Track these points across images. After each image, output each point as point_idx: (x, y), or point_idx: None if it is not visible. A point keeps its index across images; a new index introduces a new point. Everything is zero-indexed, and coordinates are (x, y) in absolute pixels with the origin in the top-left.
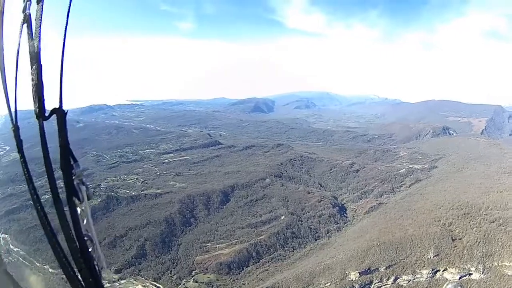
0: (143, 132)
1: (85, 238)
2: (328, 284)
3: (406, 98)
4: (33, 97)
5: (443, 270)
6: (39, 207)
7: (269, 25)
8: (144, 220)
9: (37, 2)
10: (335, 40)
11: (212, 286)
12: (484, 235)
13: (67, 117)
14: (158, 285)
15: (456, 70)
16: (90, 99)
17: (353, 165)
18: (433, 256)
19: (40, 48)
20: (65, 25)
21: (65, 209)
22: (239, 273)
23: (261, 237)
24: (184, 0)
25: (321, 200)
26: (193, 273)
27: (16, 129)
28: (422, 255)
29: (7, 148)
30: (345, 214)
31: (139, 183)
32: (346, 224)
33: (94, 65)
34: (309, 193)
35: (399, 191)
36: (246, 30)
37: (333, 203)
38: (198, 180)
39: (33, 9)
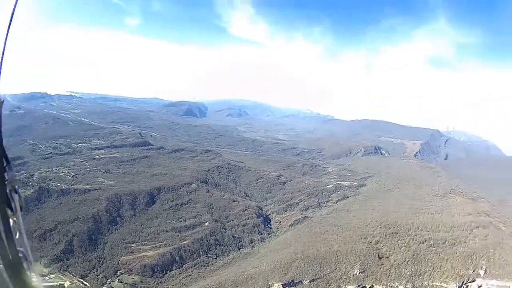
0: (78, 125)
1: (19, 255)
2: None
3: (340, 116)
4: None
5: (370, 287)
6: None
7: (213, 30)
8: (73, 215)
9: None
10: (276, 52)
11: (137, 287)
12: (413, 255)
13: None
14: (85, 282)
15: (394, 92)
16: (32, 86)
17: (280, 177)
18: (359, 273)
19: None
20: (12, 9)
21: None
22: (163, 277)
23: (184, 242)
24: None
25: (245, 210)
26: (118, 273)
27: None
28: (347, 271)
29: None
30: (269, 225)
31: (70, 177)
32: (270, 235)
33: (40, 52)
34: (234, 201)
35: (325, 206)
36: (191, 32)
37: (257, 213)
38: (126, 179)
39: None
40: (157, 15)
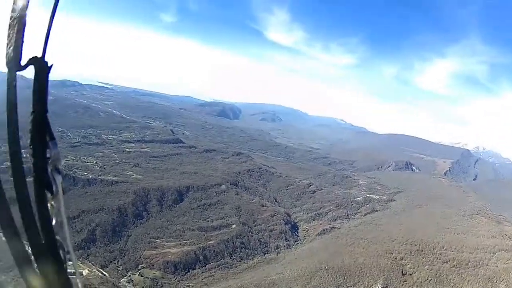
0: (109, 117)
1: (56, 244)
2: None
3: (372, 128)
4: (9, 37)
5: None
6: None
7: (249, 33)
8: (98, 205)
9: None
10: (311, 59)
11: (157, 282)
12: (436, 274)
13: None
14: (104, 272)
15: (426, 109)
16: (64, 73)
17: (310, 186)
18: None
19: None
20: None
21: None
22: (185, 274)
23: (210, 242)
24: None
25: (274, 215)
26: (139, 267)
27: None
28: (370, 285)
29: None
30: (296, 233)
31: (97, 168)
32: (296, 242)
33: (74, 42)
34: (263, 206)
35: (353, 218)
36: (226, 33)
37: (285, 220)
38: (155, 174)
39: None
40: (193, 14)
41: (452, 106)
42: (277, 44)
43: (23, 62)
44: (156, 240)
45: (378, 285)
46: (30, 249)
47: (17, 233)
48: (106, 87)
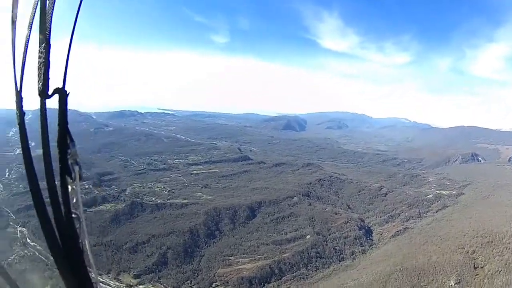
0: (173, 142)
1: (73, 216)
2: None
3: (436, 123)
4: (38, 75)
5: None
6: (33, 180)
7: (302, 43)
8: (168, 229)
9: None
10: (367, 62)
11: None
12: (506, 264)
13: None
14: None
15: (482, 97)
16: (122, 104)
17: (381, 188)
18: (454, 284)
19: (51, 28)
20: (77, 8)
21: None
22: None
23: (285, 255)
24: (218, 15)
25: (347, 222)
26: (213, 285)
27: (19, 98)
28: (443, 282)
29: (32, 144)
30: (370, 237)
31: (166, 192)
32: (371, 247)
33: (129, 73)
34: (336, 214)
35: (425, 217)
36: (280, 47)
37: (359, 225)
38: (225, 193)
39: None
40: (245, 32)
41: (508, 90)
42: (332, 51)
43: (50, 92)
44: (230, 258)
45: (452, 282)
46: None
47: (45, 206)
48: (167, 113)
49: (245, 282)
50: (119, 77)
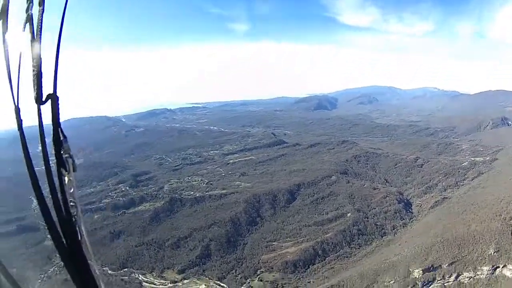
0: (206, 134)
1: (70, 204)
2: (392, 281)
3: (463, 89)
4: (33, 85)
5: (502, 267)
6: (33, 177)
7: (324, 22)
8: (209, 221)
9: (39, 4)
10: (389, 34)
11: (277, 285)
12: None
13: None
14: (222, 284)
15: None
16: (151, 104)
17: (417, 160)
18: (494, 252)
19: (41, 43)
20: (61, 20)
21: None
22: (305, 272)
23: (327, 235)
24: (234, 3)
25: (386, 196)
26: (258, 272)
27: (17, 110)
28: (483, 251)
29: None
30: (410, 210)
31: (204, 184)
32: (411, 219)
33: (153, 73)
34: (375, 189)
35: (462, 185)
36: (301, 28)
37: (398, 199)
38: (263, 179)
39: (35, 10)
40: (264, 17)
41: None
42: (354, 27)
43: (44, 98)
44: (273, 243)
45: (491, 250)
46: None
47: (43, 196)
48: (197, 106)
49: (289, 266)
50: (143, 77)
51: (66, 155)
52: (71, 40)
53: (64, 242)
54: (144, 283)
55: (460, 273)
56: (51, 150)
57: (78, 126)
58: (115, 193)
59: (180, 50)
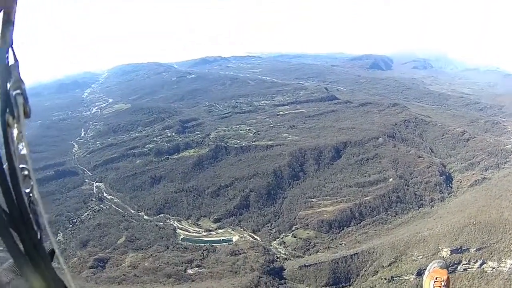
0: (259, 84)
1: (22, 173)
2: (420, 257)
3: None
4: None
5: None
6: None
7: None
8: (252, 171)
9: None
10: None
11: (310, 243)
12: None
13: None
14: (255, 236)
15: None
16: (204, 51)
17: (464, 134)
18: None
19: None
20: None
21: None
22: (339, 233)
23: (366, 198)
24: None
25: (430, 166)
26: (293, 228)
27: None
28: (510, 243)
29: (110, 100)
30: (450, 184)
31: (251, 134)
32: (450, 195)
33: (208, 20)
34: (419, 157)
35: (503, 168)
36: None
37: (440, 171)
38: (311, 134)
39: None
40: None
41: None
42: None
43: None
44: (312, 200)
45: None
46: None
47: None
48: (252, 56)
49: (324, 225)
50: (198, 25)
51: (16, 91)
52: None
53: (12, 231)
54: (178, 230)
55: (485, 261)
56: None
57: (128, 72)
58: (160, 138)
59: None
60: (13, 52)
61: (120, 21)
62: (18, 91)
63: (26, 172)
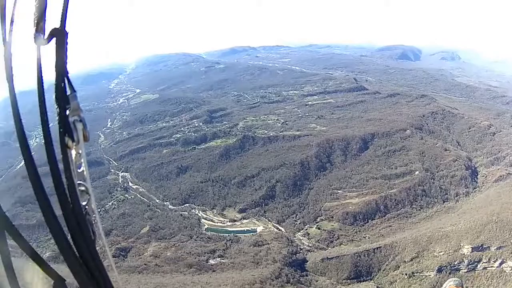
0: (288, 74)
1: (80, 189)
2: (442, 253)
3: None
4: (34, 17)
5: None
6: (23, 142)
7: None
8: (279, 162)
9: None
10: None
11: (334, 235)
12: None
13: None
14: (280, 227)
15: None
16: (233, 41)
17: (490, 127)
18: None
19: None
20: None
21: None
22: (363, 225)
23: (392, 191)
24: None
25: (456, 160)
26: (317, 219)
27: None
28: None
29: (137, 90)
30: (475, 179)
31: (279, 124)
32: (474, 189)
33: (237, 10)
34: (446, 150)
35: None
36: None
37: (466, 165)
38: (339, 124)
39: None
40: None
41: None
42: None
43: (46, 36)
44: (338, 191)
45: None
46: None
47: (39, 178)
48: (282, 46)
49: (349, 217)
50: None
51: (74, 117)
52: None
53: (72, 245)
54: (202, 220)
55: (505, 260)
56: (53, 110)
57: (156, 62)
58: (188, 128)
59: None
60: (69, 82)
61: (149, 12)
62: (77, 117)
63: (82, 188)
